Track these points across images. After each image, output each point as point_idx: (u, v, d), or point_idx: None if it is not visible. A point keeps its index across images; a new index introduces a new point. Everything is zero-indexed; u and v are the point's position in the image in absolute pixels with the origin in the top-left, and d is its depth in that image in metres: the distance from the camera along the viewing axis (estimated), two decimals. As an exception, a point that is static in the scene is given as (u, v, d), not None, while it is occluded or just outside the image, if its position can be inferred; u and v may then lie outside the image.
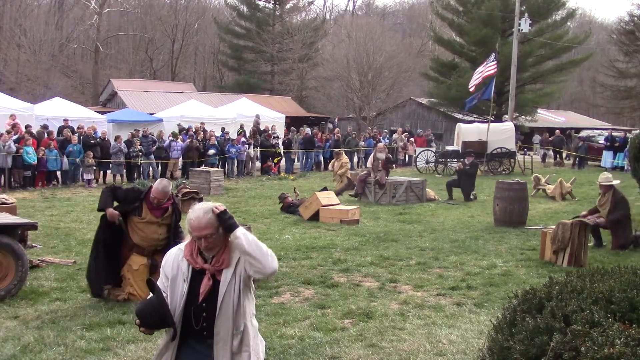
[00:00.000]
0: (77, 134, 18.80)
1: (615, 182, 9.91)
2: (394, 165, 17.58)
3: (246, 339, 3.14)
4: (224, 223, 3.04)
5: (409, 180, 15.76)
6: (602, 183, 9.83)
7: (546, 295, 3.15)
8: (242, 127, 23.86)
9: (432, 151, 25.62)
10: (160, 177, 19.48)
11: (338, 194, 15.24)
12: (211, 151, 20.87)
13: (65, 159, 18.01)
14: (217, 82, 56.90)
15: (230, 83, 52.50)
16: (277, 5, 49.98)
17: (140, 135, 19.85)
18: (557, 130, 30.65)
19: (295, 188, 15.21)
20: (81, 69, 51.70)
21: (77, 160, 18.10)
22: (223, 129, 22.84)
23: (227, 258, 3.11)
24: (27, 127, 18.05)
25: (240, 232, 3.04)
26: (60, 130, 19.40)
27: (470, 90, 25.00)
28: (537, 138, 35.68)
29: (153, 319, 3.02)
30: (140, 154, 19.28)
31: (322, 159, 25.48)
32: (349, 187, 17.29)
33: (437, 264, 8.65)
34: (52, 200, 15.07)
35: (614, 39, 47.60)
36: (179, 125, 22.75)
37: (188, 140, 20.64)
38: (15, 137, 16.93)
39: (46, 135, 18.25)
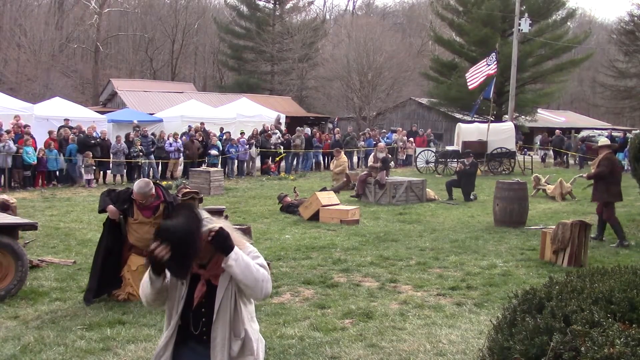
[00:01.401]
0: (72, 134, 18.80)
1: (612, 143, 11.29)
2: (391, 165, 17.50)
3: (249, 345, 3.10)
4: (219, 247, 2.92)
5: (409, 180, 15.76)
6: (600, 145, 11.04)
7: (546, 295, 3.15)
8: (264, 126, 24.22)
9: (432, 151, 25.63)
10: (160, 177, 19.67)
11: (336, 191, 15.30)
12: (213, 151, 20.89)
13: (61, 159, 18.06)
14: (217, 82, 56.87)
15: (230, 83, 52.45)
16: (277, 5, 49.94)
17: (140, 135, 19.86)
18: (558, 130, 30.65)
19: (295, 188, 15.21)
20: (81, 69, 51.64)
21: (72, 159, 18.14)
22: (222, 129, 22.85)
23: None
24: (25, 126, 18.05)
25: (233, 259, 2.92)
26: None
27: (470, 88, 24.97)
28: (539, 138, 35.66)
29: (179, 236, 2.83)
30: (141, 154, 19.30)
31: (321, 159, 25.54)
32: (347, 185, 17.36)
33: (437, 264, 8.64)
34: (52, 200, 15.07)
35: (614, 39, 47.60)
36: (134, 124, 22.34)
37: (188, 140, 20.66)
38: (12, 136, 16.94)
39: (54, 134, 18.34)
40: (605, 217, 10.33)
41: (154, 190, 6.59)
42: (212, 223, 3.01)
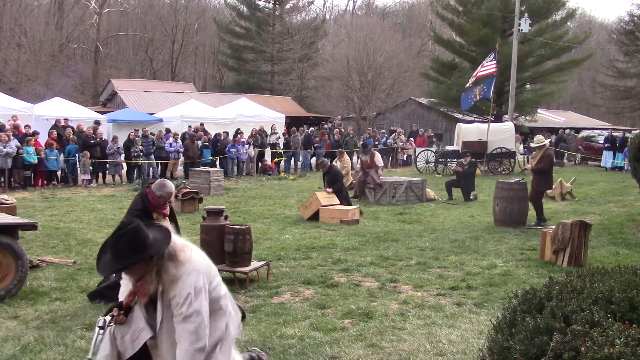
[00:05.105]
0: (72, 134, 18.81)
1: (546, 141, 12.64)
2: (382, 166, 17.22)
3: None
4: None
5: (409, 180, 15.75)
6: (535, 145, 12.49)
7: (546, 295, 3.15)
8: (272, 128, 24.59)
9: (432, 151, 25.64)
10: (160, 177, 19.65)
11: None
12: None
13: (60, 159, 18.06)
14: (217, 82, 56.88)
15: (230, 83, 52.46)
16: (277, 5, 49.94)
17: (140, 135, 19.86)
18: (560, 130, 30.68)
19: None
20: (81, 69, 51.63)
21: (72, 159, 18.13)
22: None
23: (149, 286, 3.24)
24: (25, 126, 18.04)
25: None
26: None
27: (469, 84, 24.91)
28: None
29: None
30: (141, 154, 19.29)
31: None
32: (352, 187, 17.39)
33: (437, 264, 8.64)
34: (52, 200, 15.06)
35: (614, 39, 47.65)
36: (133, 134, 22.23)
37: (188, 141, 20.68)
38: (14, 139, 16.92)
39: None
40: (531, 198, 11.81)
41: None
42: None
